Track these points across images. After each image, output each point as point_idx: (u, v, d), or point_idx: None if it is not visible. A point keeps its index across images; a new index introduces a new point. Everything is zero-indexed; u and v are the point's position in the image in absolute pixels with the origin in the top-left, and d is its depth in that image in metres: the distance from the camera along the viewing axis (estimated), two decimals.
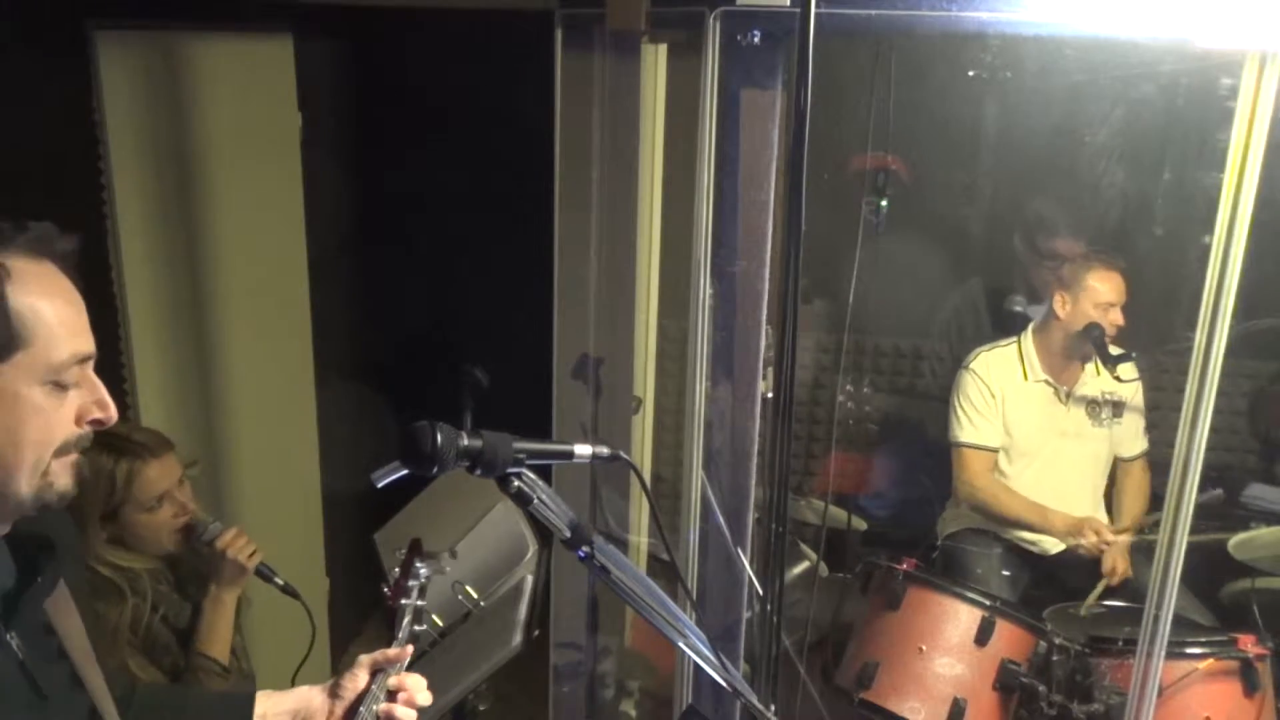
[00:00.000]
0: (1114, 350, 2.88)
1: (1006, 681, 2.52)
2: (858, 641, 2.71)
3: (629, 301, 2.31)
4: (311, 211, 3.25)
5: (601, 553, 1.29)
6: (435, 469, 1.18)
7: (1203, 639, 2.50)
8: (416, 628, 1.67)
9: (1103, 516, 3.10)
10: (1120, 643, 2.48)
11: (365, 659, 1.51)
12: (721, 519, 2.25)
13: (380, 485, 1.20)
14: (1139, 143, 3.46)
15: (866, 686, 2.56)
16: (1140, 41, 2.25)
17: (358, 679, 1.49)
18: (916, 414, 3.83)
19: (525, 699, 2.74)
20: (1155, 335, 3.33)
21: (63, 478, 1.15)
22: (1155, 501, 3.06)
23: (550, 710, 2.54)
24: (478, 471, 1.22)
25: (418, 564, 1.77)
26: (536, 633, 2.13)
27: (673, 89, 2.36)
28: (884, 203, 2.87)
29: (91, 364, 1.16)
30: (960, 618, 2.57)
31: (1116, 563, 2.89)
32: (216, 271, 3.00)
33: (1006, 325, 3.34)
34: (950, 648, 2.55)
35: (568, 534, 1.28)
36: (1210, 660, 2.43)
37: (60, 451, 1.14)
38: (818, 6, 1.60)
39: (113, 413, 1.17)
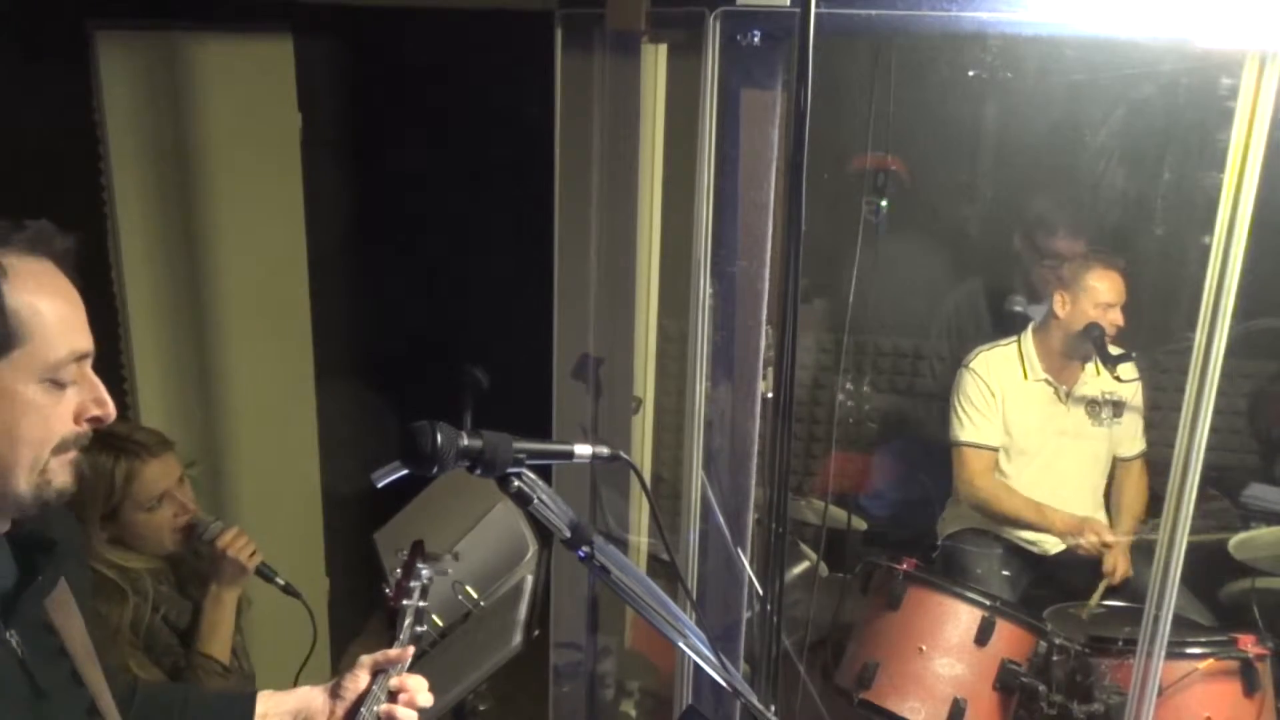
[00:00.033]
0: (1114, 350, 2.88)
1: (1006, 681, 2.53)
2: (858, 641, 2.71)
3: (629, 301, 2.31)
4: (311, 211, 3.25)
5: (601, 553, 1.29)
6: (435, 469, 1.18)
7: (1203, 639, 2.50)
8: (418, 629, 1.67)
9: (1102, 517, 3.10)
10: (1120, 643, 2.48)
11: (366, 659, 1.51)
12: (721, 519, 2.25)
13: (380, 485, 1.20)
14: (1139, 143, 3.46)
15: (866, 686, 2.56)
16: (1140, 41, 2.25)
17: (359, 679, 1.49)
18: (916, 414, 3.83)
19: (525, 699, 2.74)
20: (1155, 335, 3.33)
21: (61, 475, 1.15)
22: (1155, 503, 3.06)
23: (550, 710, 2.54)
24: (478, 471, 1.22)
25: (420, 565, 1.77)
26: (536, 633, 2.13)
27: (673, 89, 2.36)
28: (884, 203, 2.87)
29: (90, 362, 1.16)
30: (960, 618, 2.57)
31: (1117, 562, 2.89)
32: (216, 271, 3.00)
33: (1006, 325, 3.33)
34: (950, 648, 2.55)
35: (568, 534, 1.28)
36: (1210, 660, 2.43)
37: (59, 449, 1.14)
38: (818, 6, 1.60)
39: (111, 410, 1.18)
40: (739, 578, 2.26)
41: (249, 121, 3.01)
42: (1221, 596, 2.99)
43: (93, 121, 2.64)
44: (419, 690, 1.50)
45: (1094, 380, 3.07)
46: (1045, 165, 3.57)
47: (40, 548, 1.22)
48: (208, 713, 1.52)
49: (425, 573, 1.77)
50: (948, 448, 3.11)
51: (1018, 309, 3.42)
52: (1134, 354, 2.94)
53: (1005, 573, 3.05)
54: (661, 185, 2.42)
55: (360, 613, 3.91)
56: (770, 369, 2.09)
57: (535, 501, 1.25)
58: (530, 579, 2.24)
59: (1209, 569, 2.83)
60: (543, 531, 1.99)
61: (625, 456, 1.35)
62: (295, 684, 1.53)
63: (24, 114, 2.39)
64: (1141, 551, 2.90)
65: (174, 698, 1.52)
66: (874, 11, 1.89)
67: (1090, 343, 2.93)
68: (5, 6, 2.35)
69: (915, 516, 3.42)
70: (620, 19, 2.06)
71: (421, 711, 1.49)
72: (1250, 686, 2.43)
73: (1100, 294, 2.94)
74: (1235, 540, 2.79)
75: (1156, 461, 3.13)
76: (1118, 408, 3.09)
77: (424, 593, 1.73)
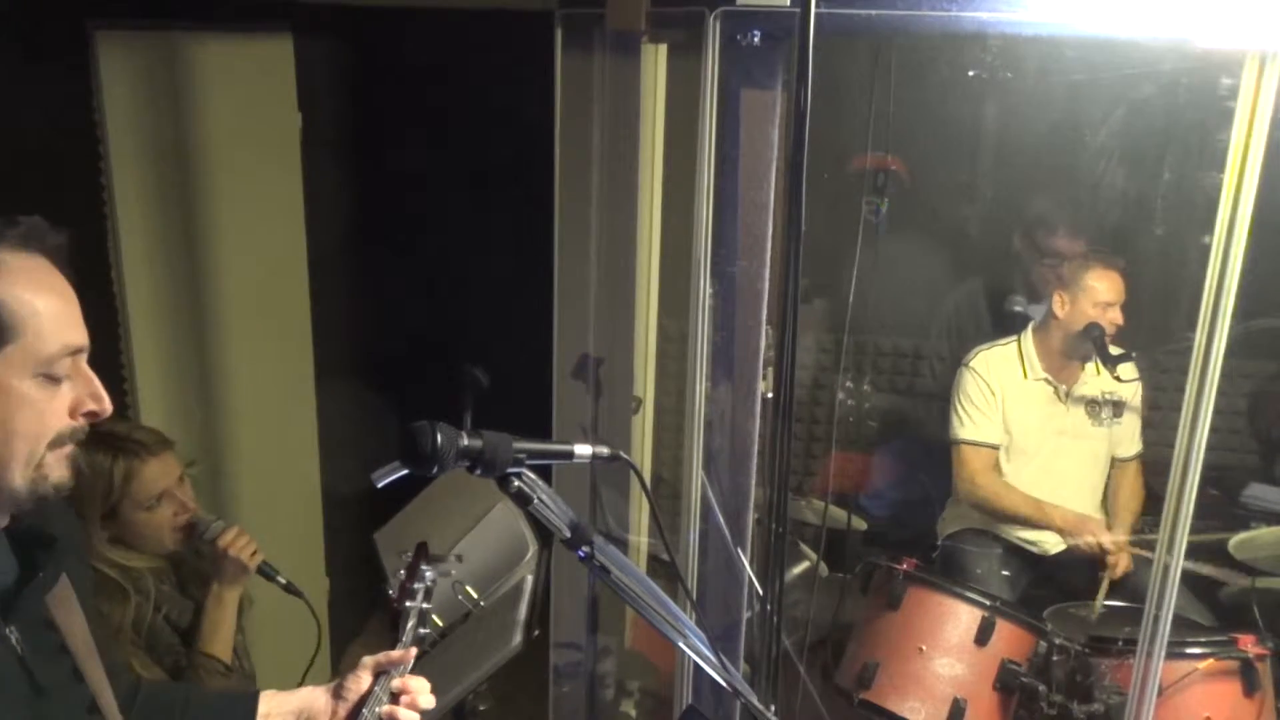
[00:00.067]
0: (1114, 350, 2.88)
1: (1006, 681, 2.53)
2: (858, 641, 2.71)
3: (629, 301, 2.31)
4: (311, 211, 3.25)
5: (601, 553, 1.29)
6: (435, 469, 1.18)
7: (1203, 639, 2.50)
8: (421, 630, 1.67)
9: (1099, 517, 3.10)
10: (1120, 643, 2.48)
11: (369, 660, 1.52)
12: (721, 519, 2.25)
13: (380, 485, 1.20)
14: (1139, 143, 3.46)
15: (866, 686, 2.56)
16: (1140, 41, 2.25)
17: (361, 680, 1.49)
18: (916, 414, 3.83)
19: (525, 699, 2.74)
20: (1155, 335, 3.33)
21: (58, 470, 1.16)
22: (1155, 502, 3.06)
23: (550, 710, 2.54)
24: (478, 471, 1.22)
25: (424, 567, 1.77)
26: (536, 633, 2.13)
27: (673, 89, 2.36)
28: (884, 203, 2.87)
29: (84, 357, 1.17)
30: (960, 618, 2.57)
31: (1119, 559, 2.89)
32: (216, 271, 3.00)
33: (1006, 325, 3.33)
34: (950, 648, 2.55)
35: (568, 534, 1.28)
36: (1210, 660, 2.43)
37: (54, 444, 1.14)
38: (818, 6, 1.60)
39: (107, 405, 1.18)
40: (739, 578, 2.26)
41: (249, 121, 3.01)
42: (1221, 596, 2.99)
43: (93, 121, 2.64)
44: (421, 692, 1.50)
45: (1094, 380, 3.07)
46: (1045, 165, 3.57)
47: (41, 544, 1.23)
48: (210, 712, 1.52)
49: (429, 575, 1.77)
50: (948, 448, 3.11)
51: (1017, 309, 3.42)
52: (1134, 354, 2.94)
53: (1005, 573, 3.05)
54: (661, 185, 2.42)
55: (360, 613, 3.91)
56: (770, 369, 2.09)
57: (535, 501, 1.25)
58: (530, 579, 2.24)
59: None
60: (543, 531, 1.99)
61: (625, 456, 1.35)
62: (301, 684, 1.53)
63: (24, 114, 2.39)
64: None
65: (176, 697, 1.52)
66: (874, 11, 1.89)
67: (1090, 342, 2.93)
68: (5, 6, 2.35)
69: (915, 516, 3.42)
70: (620, 19, 2.06)
71: (423, 712, 1.49)
72: (1250, 686, 2.43)
73: (1099, 293, 2.94)
74: (1235, 540, 2.79)
75: (1156, 461, 3.13)
76: (1118, 408, 3.09)
77: (428, 595, 1.74)
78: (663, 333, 2.74)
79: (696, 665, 1.37)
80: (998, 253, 3.66)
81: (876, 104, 2.63)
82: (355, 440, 3.65)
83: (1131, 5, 1.90)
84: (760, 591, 2.10)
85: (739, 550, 2.24)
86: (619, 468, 1.75)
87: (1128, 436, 3.15)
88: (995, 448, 3.07)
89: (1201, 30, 1.94)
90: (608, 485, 2.42)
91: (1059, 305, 2.99)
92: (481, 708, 2.12)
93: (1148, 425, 3.18)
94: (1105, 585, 2.85)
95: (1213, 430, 2.10)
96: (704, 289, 2.15)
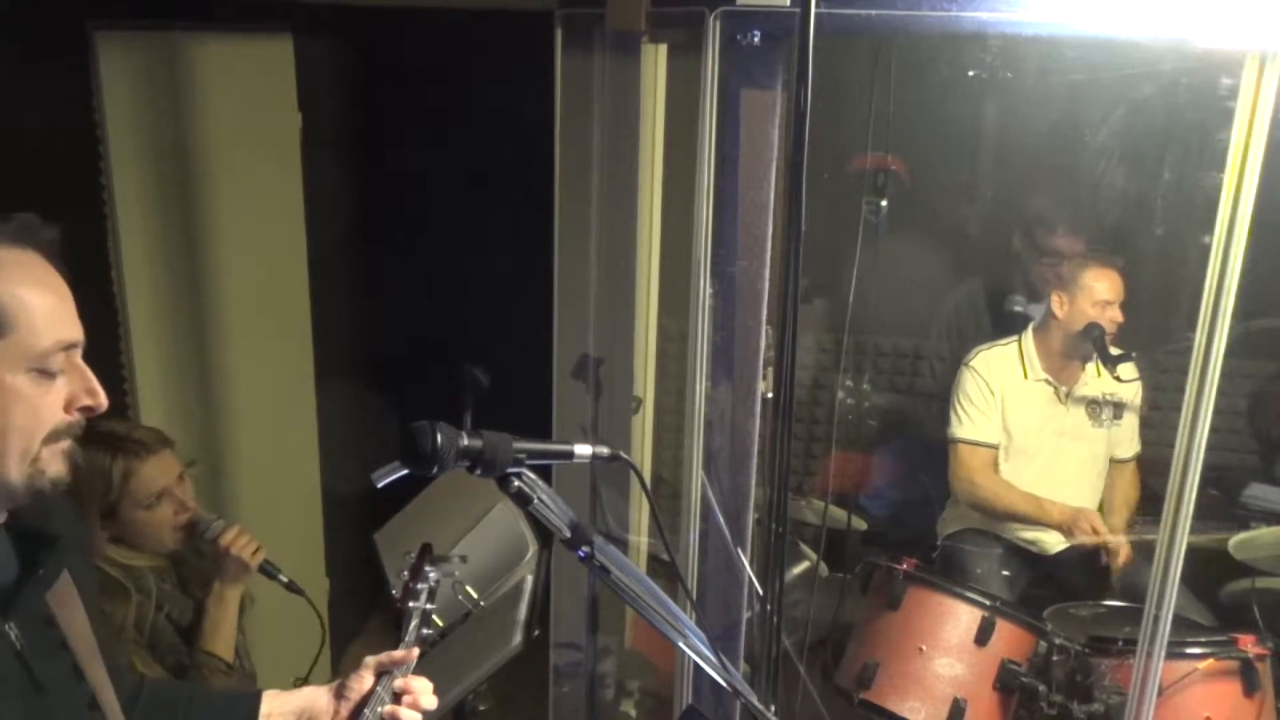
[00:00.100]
0: (1114, 350, 2.88)
1: (1006, 681, 2.53)
2: (857, 641, 2.71)
3: (629, 301, 2.31)
4: (311, 211, 3.26)
5: (601, 553, 1.29)
6: (435, 469, 1.18)
7: (1203, 639, 2.50)
8: (424, 631, 1.67)
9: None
10: (1120, 643, 2.47)
11: (371, 660, 1.52)
12: (721, 519, 2.25)
13: (380, 485, 1.20)
14: (1139, 143, 3.46)
15: (866, 686, 2.56)
16: (1140, 41, 2.25)
17: (363, 680, 1.50)
18: (916, 414, 3.83)
19: (525, 699, 2.74)
20: (1155, 335, 3.33)
21: (54, 465, 1.16)
22: (1154, 502, 3.06)
23: (550, 710, 2.55)
24: (478, 471, 1.22)
25: (427, 568, 1.77)
26: (536, 633, 2.13)
27: (673, 89, 2.36)
28: (884, 203, 2.87)
29: (79, 352, 1.17)
30: (960, 618, 2.57)
31: (1121, 550, 2.89)
32: (216, 271, 3.00)
33: (1006, 325, 3.33)
34: (950, 648, 2.55)
35: (568, 534, 1.28)
36: (1210, 660, 2.43)
37: (50, 439, 1.14)
38: (818, 6, 1.60)
39: (102, 400, 1.18)
40: (739, 578, 2.26)
41: (249, 121, 3.01)
42: (1221, 596, 2.99)
43: (93, 121, 2.64)
44: (424, 692, 1.50)
45: (1094, 381, 3.07)
46: (1045, 165, 3.57)
47: (42, 541, 1.23)
48: (212, 711, 1.52)
49: (433, 575, 1.77)
50: (947, 448, 3.11)
51: (1017, 309, 3.42)
52: (1134, 354, 2.94)
53: (1005, 572, 3.05)
54: (661, 185, 2.42)
55: (360, 613, 3.91)
56: (770, 369, 2.09)
57: (535, 501, 1.25)
58: (530, 579, 2.24)
59: (1209, 569, 2.83)
60: (543, 531, 1.99)
61: (625, 456, 1.35)
62: (305, 683, 1.54)
63: (24, 114, 2.39)
64: (1141, 551, 2.89)
65: (180, 696, 1.53)
66: (874, 11, 1.89)
67: (1090, 343, 2.93)
68: (5, 6, 2.35)
69: (915, 516, 3.42)
70: (620, 19, 2.06)
71: (424, 713, 1.49)
72: (1250, 686, 2.43)
73: (1098, 292, 2.93)
74: (1235, 540, 2.78)
75: (1156, 461, 3.13)
76: (1118, 409, 3.08)
77: (431, 595, 1.74)
78: (663, 333, 2.74)
79: (696, 665, 1.37)
80: (998, 252, 3.66)
81: (876, 104, 2.63)
82: (355, 440, 3.65)
83: (1131, 5, 1.90)
84: (760, 591, 2.10)
85: (739, 550, 2.24)
86: (619, 468, 1.75)
87: (1126, 438, 3.15)
88: (993, 447, 3.07)
89: (1201, 30, 1.94)
90: (608, 485, 2.42)
91: (1058, 305, 2.99)
92: (481, 708, 2.12)
93: (1148, 425, 3.18)
94: (1118, 567, 2.86)
95: (1213, 430, 2.10)
96: (704, 289, 2.15)
